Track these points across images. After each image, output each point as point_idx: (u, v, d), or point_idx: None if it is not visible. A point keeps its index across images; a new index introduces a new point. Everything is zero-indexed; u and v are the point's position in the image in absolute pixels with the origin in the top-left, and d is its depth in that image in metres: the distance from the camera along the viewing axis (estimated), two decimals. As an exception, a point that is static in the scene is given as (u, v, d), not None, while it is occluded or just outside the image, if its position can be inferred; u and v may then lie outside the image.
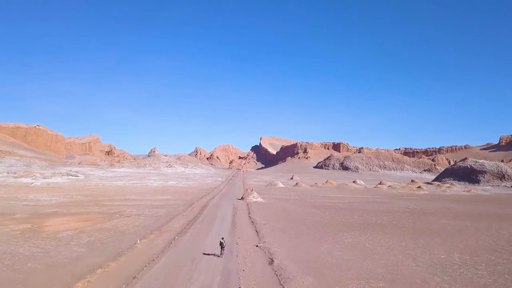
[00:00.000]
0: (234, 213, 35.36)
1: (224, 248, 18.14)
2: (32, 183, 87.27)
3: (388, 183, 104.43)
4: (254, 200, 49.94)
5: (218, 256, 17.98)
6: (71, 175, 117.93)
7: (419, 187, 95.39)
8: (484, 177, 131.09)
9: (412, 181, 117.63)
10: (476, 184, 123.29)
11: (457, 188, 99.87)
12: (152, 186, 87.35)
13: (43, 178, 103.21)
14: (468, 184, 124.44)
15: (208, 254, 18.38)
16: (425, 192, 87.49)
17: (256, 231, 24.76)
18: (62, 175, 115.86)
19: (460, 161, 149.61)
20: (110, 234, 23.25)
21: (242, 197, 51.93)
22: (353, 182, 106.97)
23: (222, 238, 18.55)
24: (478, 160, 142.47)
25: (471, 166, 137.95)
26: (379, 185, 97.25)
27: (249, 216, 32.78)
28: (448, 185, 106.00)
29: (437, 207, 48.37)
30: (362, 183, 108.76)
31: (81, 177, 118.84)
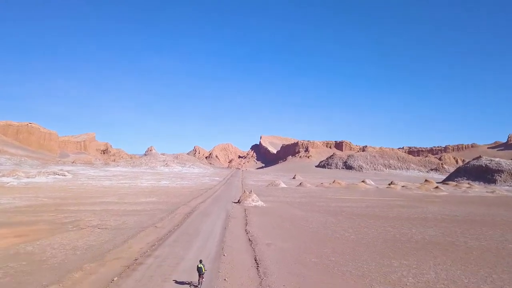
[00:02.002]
0: (225, 223, 26.21)
1: (203, 275, 12.91)
2: (8, 183, 78.82)
3: (401, 183, 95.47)
4: (254, 204, 40.83)
5: (195, 286, 13.03)
6: (58, 174, 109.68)
7: (437, 187, 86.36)
8: (501, 177, 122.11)
9: (426, 180, 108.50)
10: (492, 184, 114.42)
11: (478, 188, 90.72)
12: (141, 186, 78.40)
13: (26, 177, 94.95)
14: (484, 184, 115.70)
15: (182, 283, 12.92)
16: (445, 193, 78.43)
17: (256, 261, 15.70)
18: (48, 174, 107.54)
19: (473, 159, 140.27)
20: (16, 268, 14.24)
21: (238, 200, 42.81)
22: (362, 182, 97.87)
23: (200, 261, 13.30)
24: (493, 159, 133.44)
25: (486, 165, 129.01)
26: (392, 185, 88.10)
27: (246, 230, 23.63)
28: (466, 185, 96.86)
29: (479, 213, 39.23)
30: (372, 183, 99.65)
31: (69, 176, 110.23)
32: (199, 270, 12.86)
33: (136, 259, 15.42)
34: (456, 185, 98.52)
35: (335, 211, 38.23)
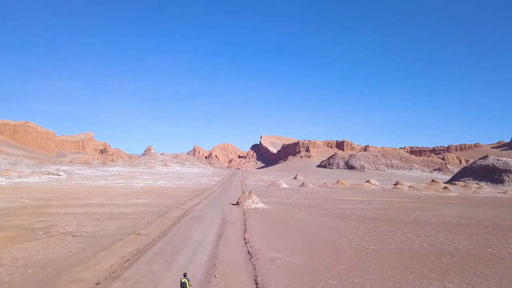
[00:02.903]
0: (221, 230, 22.41)
1: None
2: (-4, 183, 75.53)
3: (407, 183, 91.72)
4: (254, 206, 37.05)
5: None
6: (52, 174, 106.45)
7: (445, 188, 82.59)
8: (509, 177, 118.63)
9: (433, 180, 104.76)
10: (500, 185, 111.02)
11: (488, 189, 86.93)
12: (136, 187, 74.71)
13: (19, 177, 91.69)
14: (491, 184, 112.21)
15: None
16: (455, 194, 74.65)
17: (257, 284, 11.95)
18: (42, 174, 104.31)
19: (480, 159, 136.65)
20: None
21: (237, 202, 39.03)
22: (367, 182, 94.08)
23: (185, 275, 10.97)
24: (500, 158, 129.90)
25: (493, 164, 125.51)
26: (398, 186, 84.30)
27: (245, 239, 19.82)
28: (476, 185, 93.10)
29: (504, 216, 35.37)
30: (377, 183, 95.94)
31: (63, 176, 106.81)
32: (182, 286, 10.60)
33: (98, 283, 11.66)
34: (465, 185, 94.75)
35: (344, 214, 34.46)
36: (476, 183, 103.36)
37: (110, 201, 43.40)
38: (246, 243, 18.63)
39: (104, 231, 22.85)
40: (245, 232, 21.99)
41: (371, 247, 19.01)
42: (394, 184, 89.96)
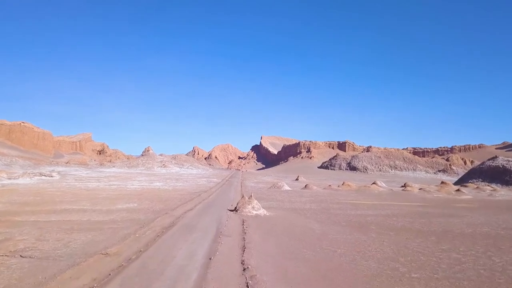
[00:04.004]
0: (213, 247, 17.58)
1: None
2: (-21, 185, 70.64)
3: (416, 185, 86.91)
4: (254, 212, 32.23)
5: None
6: (44, 175, 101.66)
7: (458, 190, 77.76)
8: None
9: (442, 182, 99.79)
10: (510, 186, 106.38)
11: (504, 191, 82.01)
12: (129, 189, 69.67)
13: (8, 178, 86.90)
14: (501, 186, 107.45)
15: None
16: (469, 196, 69.81)
17: None
18: (34, 175, 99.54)
19: (489, 160, 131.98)
20: None
21: (235, 208, 34.20)
22: (373, 183, 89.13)
23: None
24: (510, 159, 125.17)
25: (503, 165, 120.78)
26: (407, 188, 79.35)
27: (243, 262, 14.98)
28: (490, 188, 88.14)
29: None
30: (384, 185, 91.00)
31: (56, 177, 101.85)
32: None
33: None
34: (476, 187, 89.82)
35: (360, 222, 29.64)
36: (488, 185, 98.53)
37: (93, 206, 38.59)
38: (244, 269, 13.80)
39: (64, 249, 18.07)
40: (244, 250, 17.17)
41: (413, 275, 14.18)
42: (403, 186, 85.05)
